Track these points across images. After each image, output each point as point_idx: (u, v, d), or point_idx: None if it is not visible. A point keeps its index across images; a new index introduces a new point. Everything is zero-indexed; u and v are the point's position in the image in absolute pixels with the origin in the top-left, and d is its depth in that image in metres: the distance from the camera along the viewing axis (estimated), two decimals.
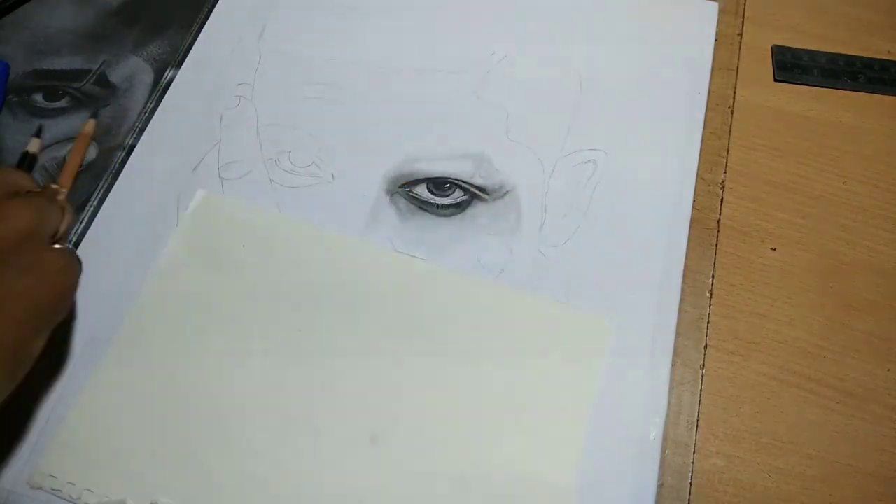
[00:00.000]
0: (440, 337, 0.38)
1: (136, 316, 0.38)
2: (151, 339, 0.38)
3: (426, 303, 0.39)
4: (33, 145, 0.43)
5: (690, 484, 0.35)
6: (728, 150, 0.44)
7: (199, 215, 0.42)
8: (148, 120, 0.45)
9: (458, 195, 0.42)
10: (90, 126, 0.44)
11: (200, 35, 0.48)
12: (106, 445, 0.35)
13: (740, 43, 0.48)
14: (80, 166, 0.42)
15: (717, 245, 0.41)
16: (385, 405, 0.37)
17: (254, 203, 0.42)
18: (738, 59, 0.48)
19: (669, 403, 0.37)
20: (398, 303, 0.39)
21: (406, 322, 0.39)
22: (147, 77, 0.47)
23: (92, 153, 0.44)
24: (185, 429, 0.36)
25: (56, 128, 0.45)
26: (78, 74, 0.47)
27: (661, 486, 0.35)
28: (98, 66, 0.47)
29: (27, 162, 0.42)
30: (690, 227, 0.41)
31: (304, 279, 0.40)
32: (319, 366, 0.37)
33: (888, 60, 0.48)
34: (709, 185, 0.43)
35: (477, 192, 0.42)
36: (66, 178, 0.41)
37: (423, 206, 0.42)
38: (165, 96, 0.46)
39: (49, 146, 0.44)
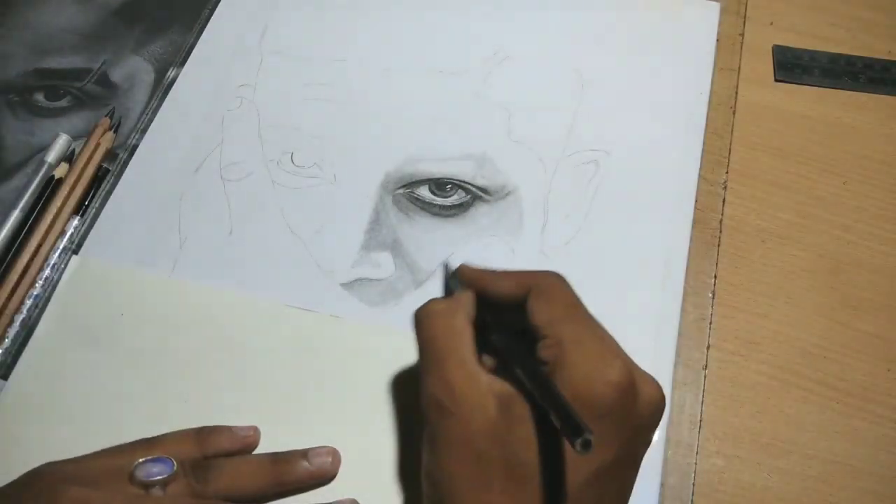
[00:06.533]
0: (336, 391, 0.37)
1: (8, 400, 0.36)
2: (26, 423, 0.36)
3: (320, 356, 0.38)
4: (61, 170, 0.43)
5: (693, 484, 0.35)
6: (730, 151, 0.44)
7: (72, 286, 0.39)
8: (150, 120, 0.45)
9: (459, 196, 0.42)
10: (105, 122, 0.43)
11: (202, 35, 0.48)
12: None
13: (741, 43, 0.48)
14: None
15: (719, 245, 0.41)
16: None
17: (254, 203, 0.42)
18: (740, 59, 0.48)
19: (672, 404, 0.37)
20: (288, 359, 0.37)
21: (297, 378, 0.37)
22: (148, 77, 0.47)
23: None
24: None
25: (57, 127, 0.45)
26: (79, 74, 0.47)
27: (663, 485, 0.35)
28: (99, 65, 0.47)
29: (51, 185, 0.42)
30: (692, 227, 0.42)
31: (187, 343, 0.38)
32: None
33: (888, 60, 0.48)
34: (711, 186, 0.43)
35: (479, 192, 0.42)
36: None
37: (425, 207, 0.42)
38: (167, 97, 0.45)
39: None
